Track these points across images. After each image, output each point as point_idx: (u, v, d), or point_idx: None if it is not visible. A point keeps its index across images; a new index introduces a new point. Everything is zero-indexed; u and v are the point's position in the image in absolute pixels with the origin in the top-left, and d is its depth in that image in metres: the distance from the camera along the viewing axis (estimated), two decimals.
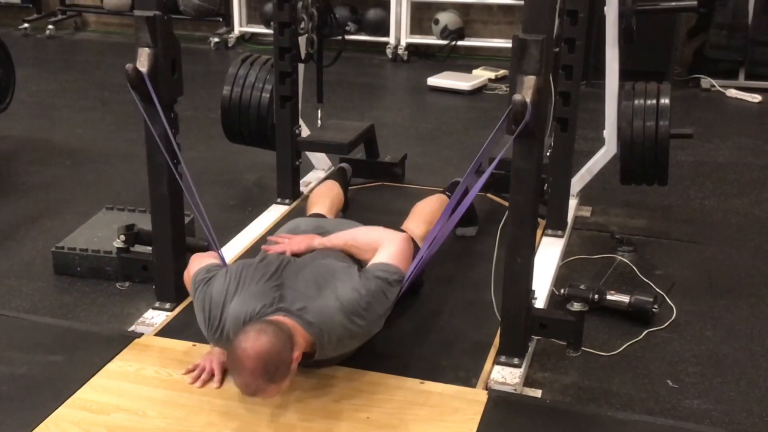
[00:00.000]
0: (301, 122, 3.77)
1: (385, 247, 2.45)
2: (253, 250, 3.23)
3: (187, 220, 3.12)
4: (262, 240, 3.22)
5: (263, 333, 2.08)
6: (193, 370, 2.40)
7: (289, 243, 2.56)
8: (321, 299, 2.26)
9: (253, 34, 7.53)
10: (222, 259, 2.58)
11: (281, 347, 2.08)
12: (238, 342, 2.08)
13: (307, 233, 2.64)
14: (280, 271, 2.37)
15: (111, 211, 3.66)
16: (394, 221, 3.00)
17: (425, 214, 3.00)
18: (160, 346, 2.58)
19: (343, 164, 3.88)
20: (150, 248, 2.87)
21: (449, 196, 3.17)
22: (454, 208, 2.47)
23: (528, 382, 2.60)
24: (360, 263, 2.48)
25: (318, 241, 2.56)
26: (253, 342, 2.06)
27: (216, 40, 7.37)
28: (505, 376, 2.46)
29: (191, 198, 2.62)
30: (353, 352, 2.43)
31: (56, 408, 2.27)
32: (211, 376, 2.38)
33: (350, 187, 3.72)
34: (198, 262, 2.52)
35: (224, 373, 2.38)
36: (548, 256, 3.26)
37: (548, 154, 3.36)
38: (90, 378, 2.40)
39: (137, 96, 2.58)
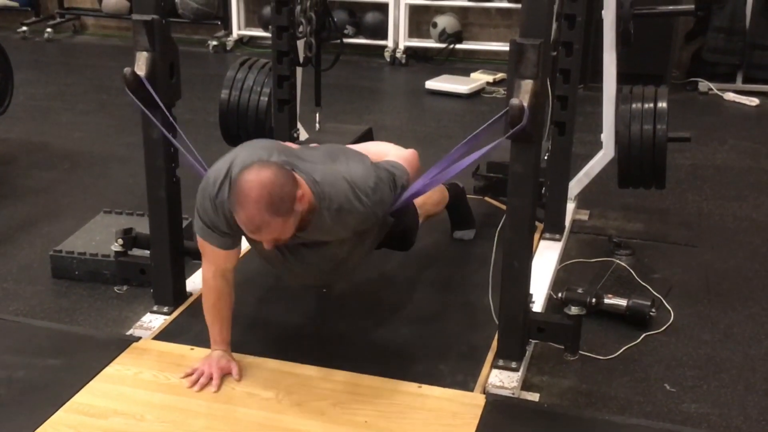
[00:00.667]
0: (299, 126, 3.77)
1: (394, 152, 2.54)
2: (252, 252, 3.22)
3: (185, 223, 3.12)
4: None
5: (267, 167, 2.09)
6: (191, 374, 2.40)
7: None
8: (332, 165, 2.27)
9: (252, 38, 7.53)
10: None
11: (285, 180, 2.08)
12: (242, 176, 2.07)
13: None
14: (295, 151, 2.37)
15: (109, 214, 3.66)
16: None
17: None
18: (158, 350, 2.58)
19: None
20: (148, 252, 2.87)
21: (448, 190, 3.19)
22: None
23: (526, 385, 2.61)
24: None
25: None
26: (258, 173, 2.06)
27: (214, 43, 7.37)
28: (503, 379, 2.45)
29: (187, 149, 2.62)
30: (349, 261, 2.46)
31: (54, 412, 2.26)
32: (210, 380, 2.38)
33: None
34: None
35: (223, 377, 2.39)
36: (546, 259, 3.26)
37: (546, 157, 3.36)
38: (88, 382, 2.40)
39: (135, 100, 2.58)
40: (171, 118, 2.62)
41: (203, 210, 2.29)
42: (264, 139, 2.50)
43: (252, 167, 2.10)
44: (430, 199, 3.02)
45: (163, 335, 2.68)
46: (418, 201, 2.81)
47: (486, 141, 2.32)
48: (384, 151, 2.57)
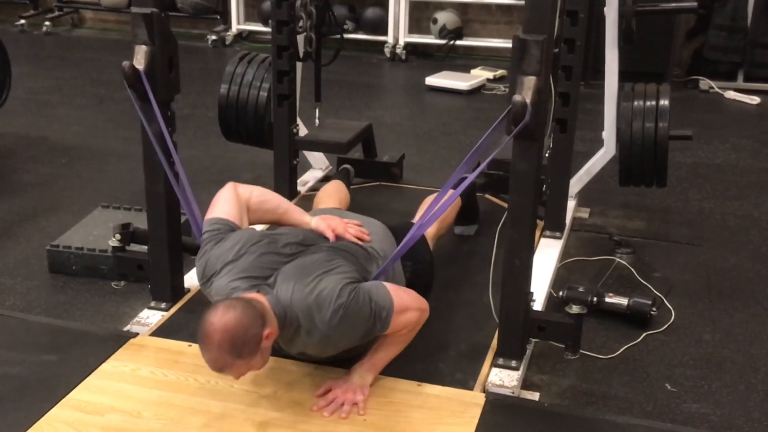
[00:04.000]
0: (298, 121, 3.75)
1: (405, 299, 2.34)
2: None
3: (183, 219, 3.10)
4: None
5: (231, 308, 2.05)
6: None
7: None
8: (300, 283, 2.18)
9: (251, 32, 7.50)
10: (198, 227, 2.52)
11: (249, 323, 2.04)
12: (207, 317, 2.05)
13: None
14: (288, 257, 2.29)
15: (106, 209, 3.64)
16: (393, 220, 2.98)
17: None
18: (156, 346, 2.56)
19: (346, 165, 3.87)
20: (146, 247, 2.85)
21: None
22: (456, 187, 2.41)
23: (526, 384, 2.59)
24: (369, 273, 2.39)
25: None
26: (221, 317, 2.03)
27: (213, 38, 7.35)
28: (503, 378, 2.44)
29: (183, 199, 2.60)
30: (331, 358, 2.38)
31: (50, 408, 2.25)
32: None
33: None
34: (222, 202, 2.43)
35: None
36: (546, 257, 3.25)
37: (547, 155, 3.34)
38: (84, 378, 2.38)
39: (134, 94, 2.56)
40: (168, 113, 2.60)
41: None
42: (258, 234, 2.38)
43: (217, 308, 2.06)
44: (445, 222, 2.99)
45: (161, 331, 2.66)
46: (431, 231, 2.79)
47: (488, 141, 2.31)
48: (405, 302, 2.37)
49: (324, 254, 2.31)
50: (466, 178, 2.39)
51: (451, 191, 2.41)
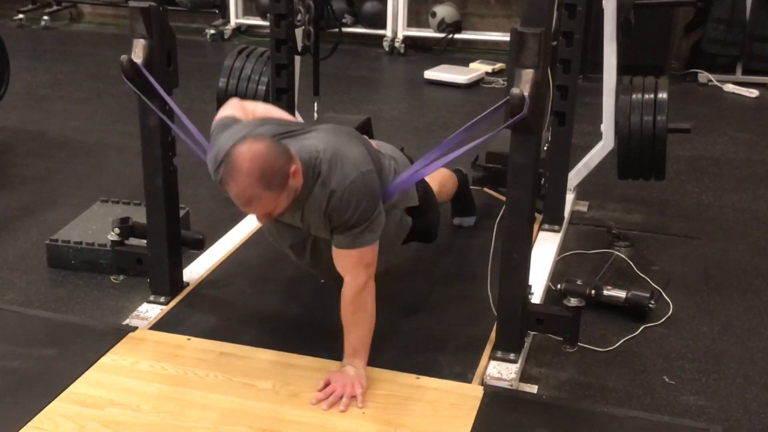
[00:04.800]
0: (297, 115, 3.75)
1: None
2: (250, 242, 3.22)
3: (182, 213, 3.11)
4: (258, 232, 3.21)
5: (259, 140, 2.07)
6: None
7: None
8: (333, 135, 2.25)
9: (250, 26, 7.49)
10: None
11: (278, 153, 2.05)
12: (235, 149, 2.04)
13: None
14: (305, 127, 2.33)
15: (105, 203, 3.64)
16: None
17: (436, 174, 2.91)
18: (155, 340, 2.57)
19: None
20: (145, 241, 2.85)
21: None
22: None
23: (524, 377, 2.60)
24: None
25: None
26: (249, 146, 2.03)
27: (212, 32, 7.34)
28: (501, 371, 2.44)
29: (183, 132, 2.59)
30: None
31: (50, 402, 2.25)
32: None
33: None
34: (229, 107, 2.50)
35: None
36: (545, 251, 3.25)
37: (545, 148, 3.34)
38: (84, 372, 2.38)
39: (132, 88, 2.56)
40: (169, 104, 2.60)
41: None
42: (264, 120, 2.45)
43: (245, 140, 2.08)
44: (444, 188, 3.01)
45: (160, 325, 2.66)
46: (434, 188, 2.81)
47: (485, 130, 2.31)
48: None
49: (351, 132, 2.38)
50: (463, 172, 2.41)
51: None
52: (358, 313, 2.33)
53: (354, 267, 2.31)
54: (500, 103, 2.20)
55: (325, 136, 2.28)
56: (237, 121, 2.41)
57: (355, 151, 2.26)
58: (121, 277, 3.21)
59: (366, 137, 2.55)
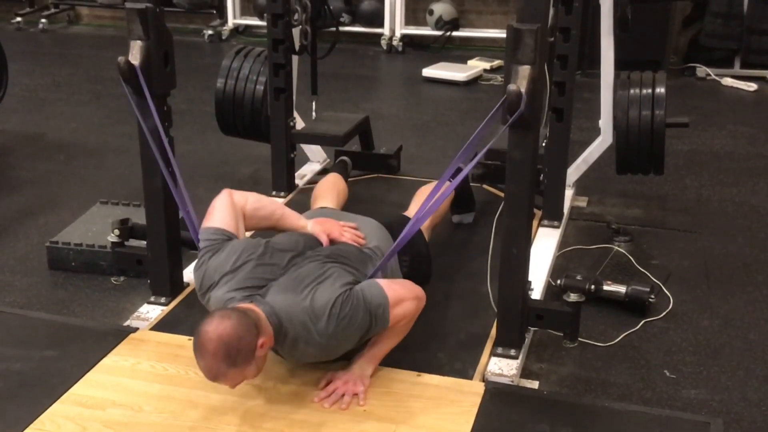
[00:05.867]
0: (295, 114, 3.75)
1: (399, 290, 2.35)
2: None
3: (180, 214, 3.11)
4: (258, 233, 3.21)
5: (226, 318, 2.07)
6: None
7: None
8: (294, 294, 2.21)
9: (247, 27, 7.49)
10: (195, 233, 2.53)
11: (243, 332, 2.06)
12: (202, 326, 2.06)
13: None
14: (283, 269, 2.30)
15: (105, 205, 3.64)
16: (390, 212, 2.99)
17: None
18: (156, 341, 2.57)
19: (344, 157, 3.87)
20: (144, 242, 2.85)
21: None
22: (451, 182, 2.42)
23: (525, 373, 2.60)
24: (364, 275, 2.39)
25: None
26: (216, 326, 2.04)
27: (210, 32, 7.34)
28: (502, 367, 2.45)
29: (179, 200, 2.62)
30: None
31: (51, 404, 2.26)
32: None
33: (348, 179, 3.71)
34: (218, 211, 2.45)
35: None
36: (544, 246, 3.25)
37: (544, 144, 3.35)
38: (85, 373, 2.39)
39: (129, 89, 2.56)
40: (164, 108, 2.60)
41: None
42: (254, 243, 2.38)
43: (213, 318, 2.07)
44: (438, 211, 2.99)
45: (161, 326, 2.67)
46: (426, 222, 2.79)
47: (484, 130, 2.31)
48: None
49: (317, 264, 2.31)
50: (461, 169, 2.40)
51: (447, 183, 2.42)
52: (399, 333, 2.38)
53: (400, 318, 2.32)
54: (497, 107, 2.21)
55: (290, 294, 2.20)
56: (226, 237, 2.37)
57: (322, 295, 2.19)
58: (122, 278, 3.20)
59: (348, 223, 2.55)
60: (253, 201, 2.53)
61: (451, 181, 2.40)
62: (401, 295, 2.31)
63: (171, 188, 2.63)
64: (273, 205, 2.61)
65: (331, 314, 2.17)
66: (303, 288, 2.22)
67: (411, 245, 2.52)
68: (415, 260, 2.67)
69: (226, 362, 2.04)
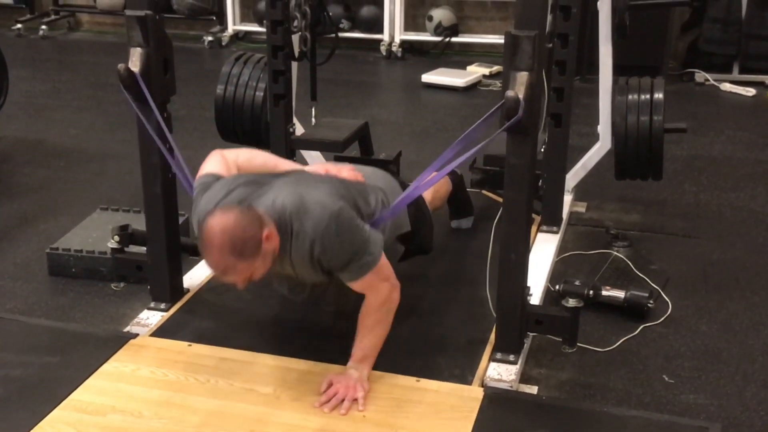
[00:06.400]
0: (295, 120, 3.76)
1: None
2: None
3: (181, 220, 3.11)
4: None
5: (228, 210, 2.10)
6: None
7: None
8: (293, 187, 2.25)
9: (247, 33, 7.51)
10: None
11: (247, 223, 2.08)
12: (206, 222, 2.08)
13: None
14: (273, 179, 2.34)
15: (105, 211, 3.65)
16: None
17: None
18: (156, 347, 2.58)
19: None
20: (144, 248, 2.86)
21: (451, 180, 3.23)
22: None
23: (524, 378, 2.61)
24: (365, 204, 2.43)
25: None
26: (219, 219, 2.07)
27: (210, 38, 7.35)
28: (501, 372, 2.45)
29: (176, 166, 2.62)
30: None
31: (52, 410, 2.26)
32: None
33: None
34: (211, 162, 2.49)
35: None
36: (543, 252, 3.26)
37: (542, 150, 3.36)
38: (85, 379, 2.40)
39: (130, 96, 2.57)
40: (164, 115, 2.61)
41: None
42: (246, 175, 2.43)
43: (214, 213, 2.11)
44: (438, 194, 3.02)
45: (161, 332, 2.67)
46: (427, 197, 2.82)
47: (482, 134, 2.32)
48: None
49: (311, 175, 2.38)
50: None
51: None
52: (379, 322, 2.37)
53: (370, 287, 2.33)
54: (495, 108, 2.22)
55: (288, 189, 2.26)
56: (217, 179, 2.40)
57: (319, 194, 2.25)
58: (122, 284, 3.22)
59: (348, 165, 2.59)
60: (245, 152, 2.58)
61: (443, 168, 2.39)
62: (387, 272, 2.34)
63: (168, 160, 2.63)
64: (265, 155, 2.65)
65: (326, 210, 2.19)
66: (302, 185, 2.27)
67: (416, 202, 2.58)
68: (419, 215, 2.70)
69: (233, 254, 2.05)
